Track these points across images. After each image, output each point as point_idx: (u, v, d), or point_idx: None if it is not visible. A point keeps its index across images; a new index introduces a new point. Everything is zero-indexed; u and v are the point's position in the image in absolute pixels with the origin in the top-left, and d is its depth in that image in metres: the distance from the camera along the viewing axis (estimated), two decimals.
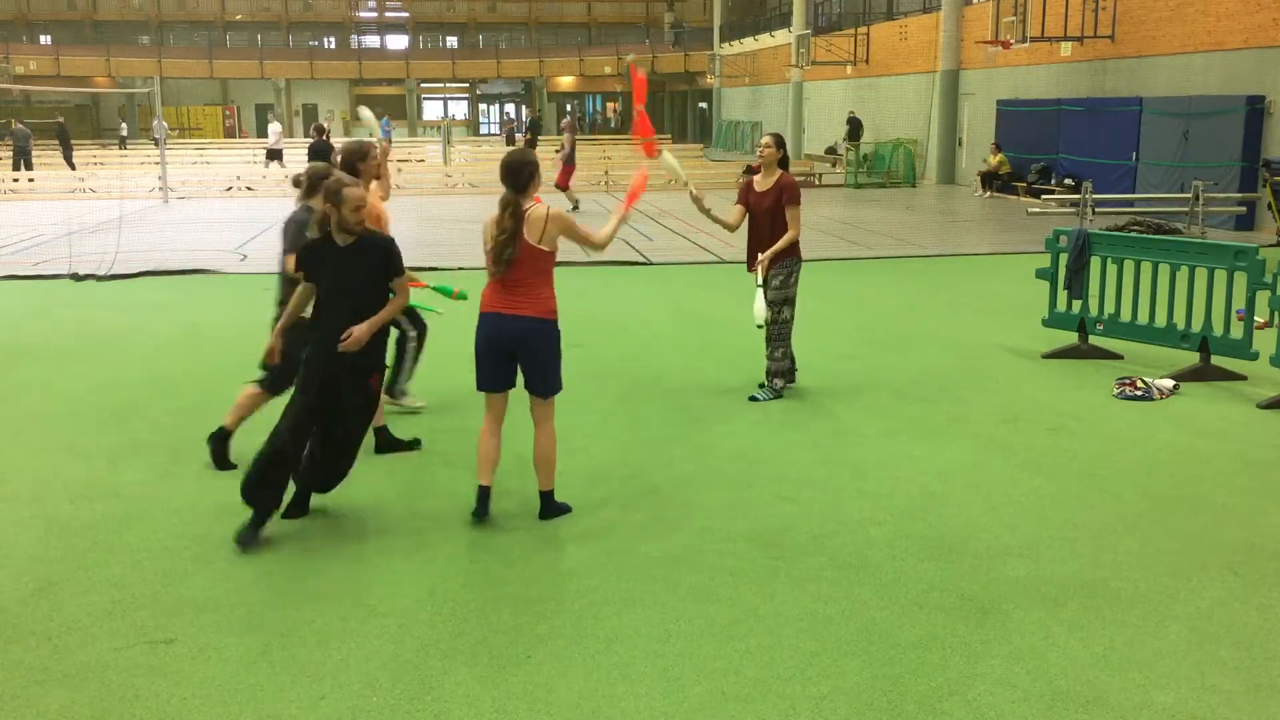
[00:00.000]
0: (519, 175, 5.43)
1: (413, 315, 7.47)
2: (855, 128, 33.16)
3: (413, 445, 6.77)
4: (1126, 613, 4.54)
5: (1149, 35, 20.62)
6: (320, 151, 17.56)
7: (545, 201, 5.57)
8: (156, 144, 41.68)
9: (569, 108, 64.73)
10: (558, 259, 5.61)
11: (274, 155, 31.85)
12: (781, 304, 7.83)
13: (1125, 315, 8.98)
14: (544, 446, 5.57)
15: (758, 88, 46.82)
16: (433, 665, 4.15)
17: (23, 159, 31.31)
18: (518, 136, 41.90)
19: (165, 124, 49.01)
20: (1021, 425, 7.22)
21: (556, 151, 22.73)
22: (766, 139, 7.80)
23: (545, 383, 5.53)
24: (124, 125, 49.93)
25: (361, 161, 6.61)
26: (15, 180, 28.22)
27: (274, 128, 33.04)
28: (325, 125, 19.54)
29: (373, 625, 4.46)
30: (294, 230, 6.27)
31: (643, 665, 4.14)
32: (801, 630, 4.40)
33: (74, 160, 32.95)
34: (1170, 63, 19.98)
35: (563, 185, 21.74)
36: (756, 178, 7.93)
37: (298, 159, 32.69)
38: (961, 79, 28.43)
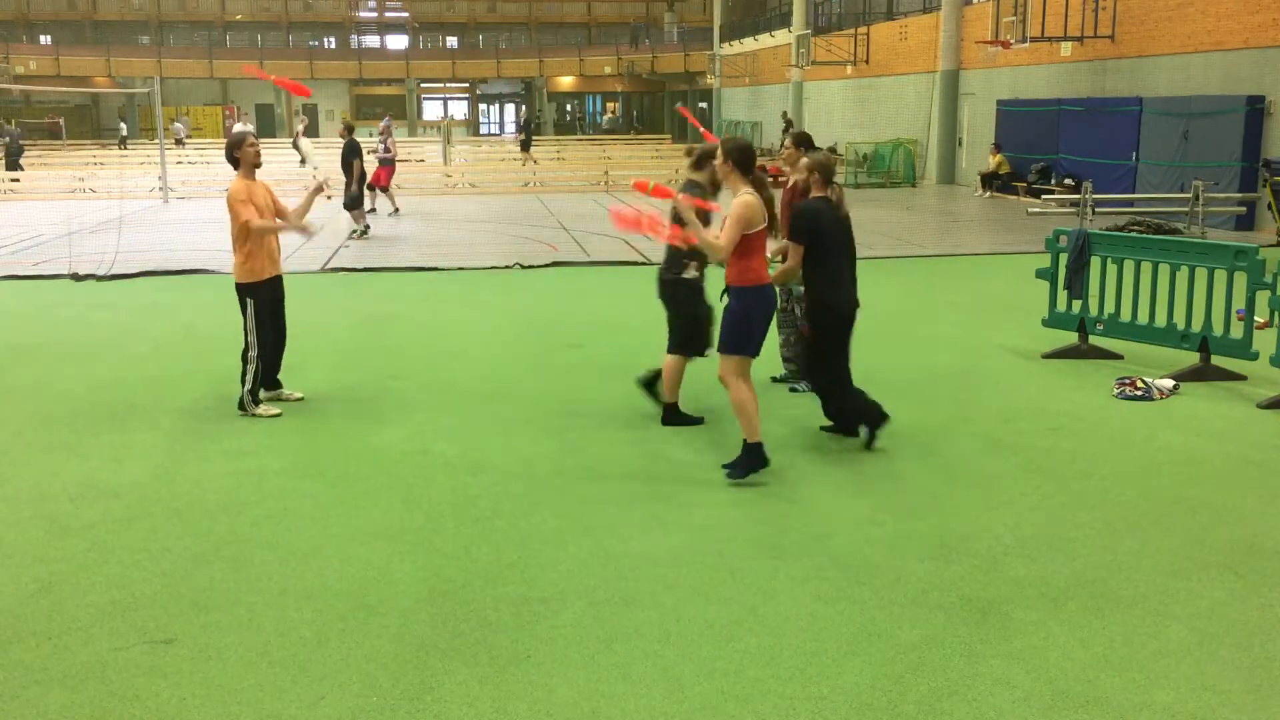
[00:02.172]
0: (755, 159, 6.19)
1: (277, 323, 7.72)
2: (788, 129, 33.17)
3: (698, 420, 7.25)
4: (1126, 613, 4.54)
5: (1149, 35, 20.61)
6: (352, 149, 17.69)
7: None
8: (180, 143, 42.20)
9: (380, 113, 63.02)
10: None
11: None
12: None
13: (1125, 315, 8.98)
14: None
15: (758, 88, 46.82)
16: (433, 665, 4.15)
17: (13, 160, 31.39)
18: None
19: (188, 121, 49.74)
20: (1021, 425, 7.22)
21: (375, 153, 21.44)
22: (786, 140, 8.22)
23: None
24: (123, 125, 49.90)
25: (238, 149, 7.38)
26: (15, 180, 28.25)
27: (239, 128, 31.76)
28: (353, 125, 19.52)
29: (373, 625, 4.46)
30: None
31: (643, 665, 4.14)
32: (801, 630, 4.40)
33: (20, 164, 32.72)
34: (1170, 63, 19.98)
35: (384, 185, 21.45)
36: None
37: (285, 160, 32.75)
38: (961, 79, 28.42)
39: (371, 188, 21.08)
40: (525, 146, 34.15)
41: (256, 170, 7.51)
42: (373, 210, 20.78)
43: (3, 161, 31.12)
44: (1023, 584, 4.82)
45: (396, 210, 21.35)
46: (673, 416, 7.17)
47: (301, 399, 7.83)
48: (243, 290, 7.49)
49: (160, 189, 25.02)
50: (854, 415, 6.81)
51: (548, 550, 5.21)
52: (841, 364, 6.83)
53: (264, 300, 7.49)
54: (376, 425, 7.30)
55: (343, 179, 17.87)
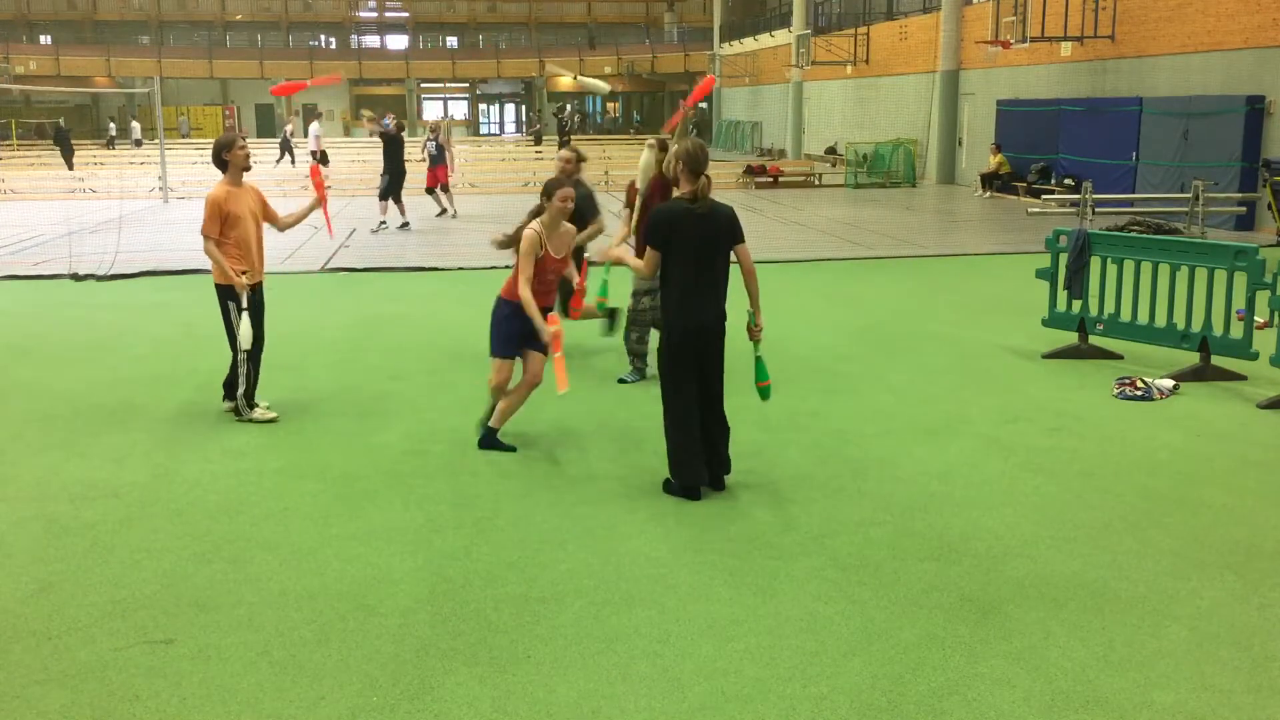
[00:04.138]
0: None
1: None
2: (566, 127, 34.05)
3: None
4: (1126, 613, 4.54)
5: (1149, 35, 20.62)
6: (394, 141, 18.14)
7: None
8: (138, 144, 43.50)
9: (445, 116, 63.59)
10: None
11: (319, 158, 29.18)
12: (644, 294, 8.23)
13: (1125, 315, 8.98)
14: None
15: (758, 88, 46.83)
16: (433, 665, 4.15)
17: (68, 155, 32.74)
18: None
19: (187, 120, 51.13)
20: (1021, 425, 7.23)
21: (427, 157, 20.57)
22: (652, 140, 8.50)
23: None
24: (113, 125, 49.90)
25: (228, 151, 7.08)
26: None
27: (315, 128, 30.02)
28: (403, 122, 19.61)
29: (373, 625, 4.46)
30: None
31: (643, 665, 4.14)
32: (801, 630, 4.40)
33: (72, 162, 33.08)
34: (1170, 63, 19.98)
35: (441, 183, 20.68)
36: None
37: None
38: (961, 79, 28.43)
39: (433, 189, 20.62)
40: (564, 145, 34.22)
41: (245, 174, 7.21)
42: (443, 213, 20.60)
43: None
44: (1023, 584, 4.82)
45: (443, 212, 20.72)
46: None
47: (275, 418, 7.46)
48: (221, 292, 7.23)
49: (160, 189, 25.02)
50: (673, 460, 5.88)
51: (548, 550, 5.21)
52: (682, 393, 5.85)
53: (248, 305, 7.24)
54: (376, 425, 7.31)
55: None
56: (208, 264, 7.29)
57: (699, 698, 3.92)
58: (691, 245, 5.64)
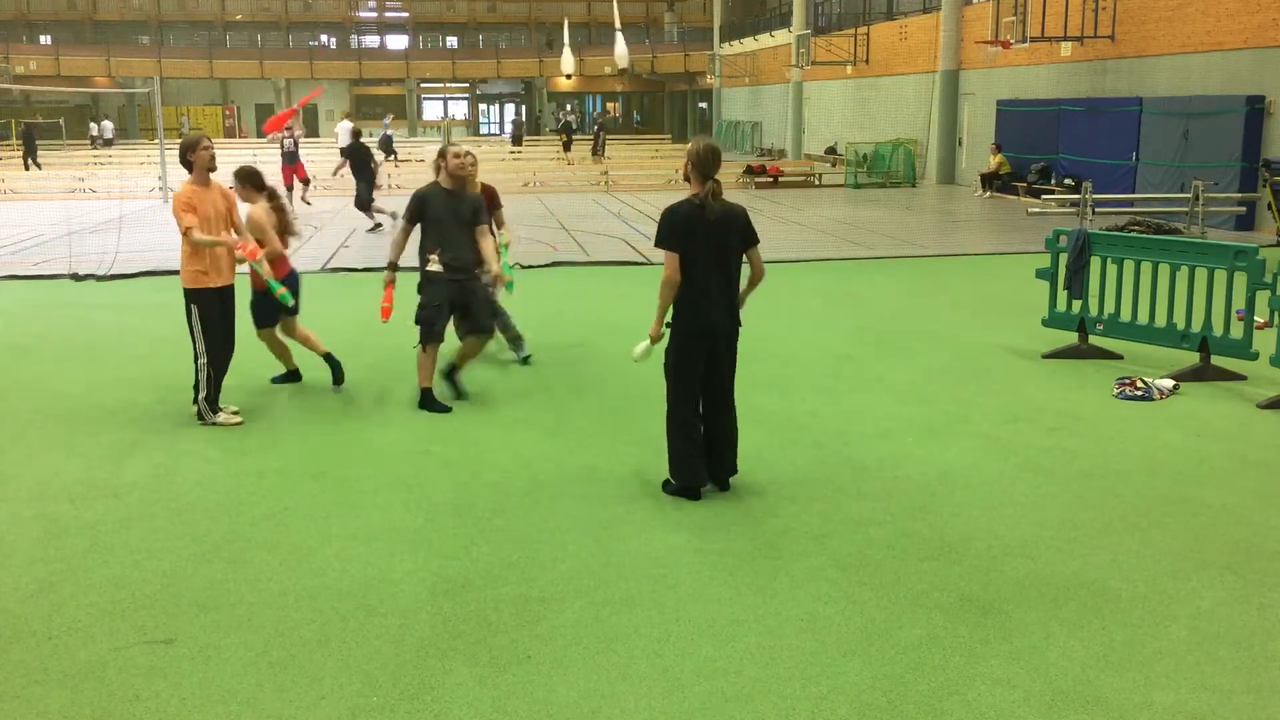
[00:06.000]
0: None
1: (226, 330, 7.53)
2: (601, 138, 34.88)
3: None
4: (1126, 613, 4.54)
5: (1149, 35, 20.62)
6: (386, 141, 18.19)
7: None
8: (109, 143, 44.26)
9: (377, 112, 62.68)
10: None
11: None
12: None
13: (1125, 315, 8.98)
14: None
15: (758, 88, 46.83)
16: (433, 665, 4.15)
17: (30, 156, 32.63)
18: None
19: (189, 120, 51.60)
20: (1021, 425, 7.23)
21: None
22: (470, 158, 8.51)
23: None
24: (99, 126, 49.81)
25: (191, 152, 7.17)
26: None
27: (346, 125, 30.22)
28: (360, 128, 19.75)
29: (373, 625, 4.46)
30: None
31: (643, 665, 4.14)
32: (801, 630, 4.40)
33: (38, 161, 33.26)
34: (1170, 63, 19.98)
35: (290, 184, 20.74)
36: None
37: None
38: (961, 79, 28.43)
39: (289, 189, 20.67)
40: (567, 147, 34.23)
41: (211, 174, 7.23)
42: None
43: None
44: (1023, 584, 4.82)
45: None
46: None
47: (240, 423, 7.38)
48: (186, 295, 7.18)
49: (160, 189, 25.01)
50: (673, 460, 5.88)
51: (548, 550, 5.21)
52: (679, 390, 5.85)
53: (210, 308, 7.18)
54: (376, 425, 7.31)
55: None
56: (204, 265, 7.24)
57: (699, 698, 3.92)
58: (702, 247, 5.62)
